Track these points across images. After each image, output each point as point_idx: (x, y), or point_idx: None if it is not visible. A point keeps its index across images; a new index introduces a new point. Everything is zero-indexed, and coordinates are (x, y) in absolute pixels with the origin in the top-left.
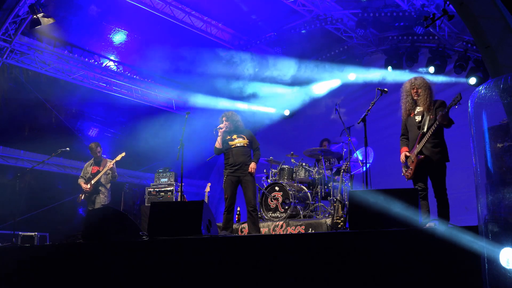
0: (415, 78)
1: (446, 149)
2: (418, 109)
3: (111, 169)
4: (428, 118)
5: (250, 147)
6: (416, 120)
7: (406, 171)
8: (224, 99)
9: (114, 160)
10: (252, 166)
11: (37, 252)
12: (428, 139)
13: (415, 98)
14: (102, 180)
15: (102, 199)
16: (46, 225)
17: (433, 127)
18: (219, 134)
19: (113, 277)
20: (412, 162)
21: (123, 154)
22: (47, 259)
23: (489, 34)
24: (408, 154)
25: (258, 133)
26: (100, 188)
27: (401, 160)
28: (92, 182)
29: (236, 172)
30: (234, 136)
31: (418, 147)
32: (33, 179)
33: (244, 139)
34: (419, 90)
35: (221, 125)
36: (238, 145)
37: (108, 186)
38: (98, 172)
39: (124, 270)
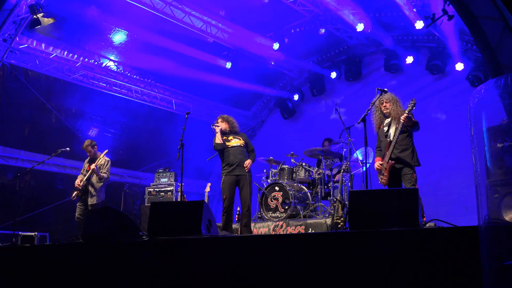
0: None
1: (415, 154)
2: (387, 121)
3: (93, 169)
4: (394, 127)
5: (246, 148)
6: (385, 130)
7: (381, 178)
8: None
9: (97, 161)
10: (248, 162)
11: (37, 252)
12: (395, 145)
13: (384, 112)
14: (93, 179)
15: (90, 200)
16: (46, 225)
17: (397, 133)
18: (217, 130)
19: (113, 277)
20: (385, 168)
21: (106, 151)
22: (47, 259)
23: (489, 34)
24: (381, 162)
25: (258, 133)
26: (89, 187)
27: (375, 168)
28: (84, 179)
29: (234, 171)
30: (231, 137)
31: (388, 154)
32: (33, 179)
33: (240, 140)
34: (387, 104)
35: (217, 124)
36: (235, 145)
37: (99, 186)
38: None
39: (124, 270)
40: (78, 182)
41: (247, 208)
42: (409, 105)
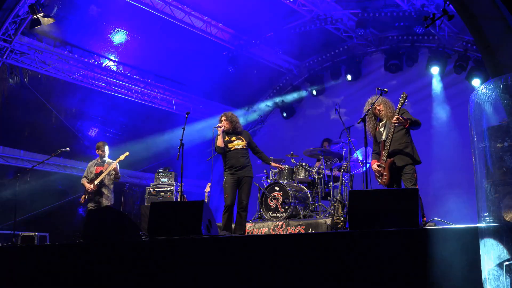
0: (371, 98)
1: (415, 152)
2: (382, 122)
3: (114, 169)
4: (389, 127)
5: (248, 148)
6: (381, 131)
7: (381, 179)
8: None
9: (117, 160)
10: (276, 165)
11: (37, 252)
12: (391, 143)
13: (380, 115)
14: (105, 181)
15: (104, 202)
16: (46, 225)
17: (390, 131)
18: (219, 133)
19: (113, 277)
20: (384, 168)
21: (127, 153)
22: (47, 259)
23: (489, 34)
24: (378, 163)
25: (258, 133)
26: (103, 189)
27: (373, 169)
28: (96, 182)
29: (236, 173)
30: (233, 138)
31: (384, 153)
32: (33, 179)
33: (242, 140)
34: (380, 107)
35: (219, 124)
36: (237, 147)
37: (111, 187)
38: (102, 172)
39: (124, 270)
40: (89, 186)
41: (244, 208)
42: (400, 99)
